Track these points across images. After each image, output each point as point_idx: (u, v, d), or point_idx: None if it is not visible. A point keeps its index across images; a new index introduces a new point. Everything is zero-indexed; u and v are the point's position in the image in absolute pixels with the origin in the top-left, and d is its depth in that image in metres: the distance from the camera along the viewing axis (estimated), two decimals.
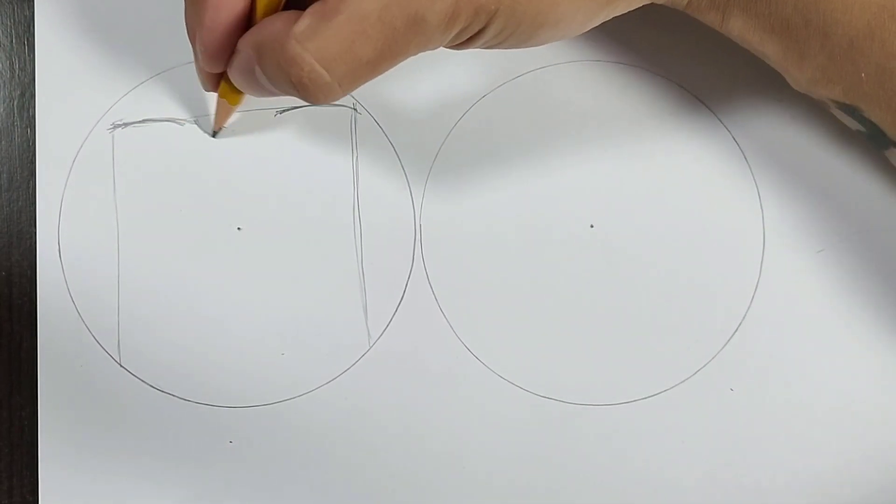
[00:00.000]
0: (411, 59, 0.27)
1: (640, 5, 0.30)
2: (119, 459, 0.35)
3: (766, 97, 0.36)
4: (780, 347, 0.35)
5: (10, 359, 0.35)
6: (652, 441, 0.35)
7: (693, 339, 0.35)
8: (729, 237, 0.35)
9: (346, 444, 0.35)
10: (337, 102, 0.36)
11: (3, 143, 0.36)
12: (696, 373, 0.35)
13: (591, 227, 0.35)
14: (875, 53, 0.29)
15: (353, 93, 0.35)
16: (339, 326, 0.35)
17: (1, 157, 0.36)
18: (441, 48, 0.28)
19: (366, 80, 0.27)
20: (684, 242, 0.35)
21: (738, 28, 0.30)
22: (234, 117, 0.35)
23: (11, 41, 0.36)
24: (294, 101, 0.35)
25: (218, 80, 0.32)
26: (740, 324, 0.35)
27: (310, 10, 0.26)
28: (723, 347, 0.35)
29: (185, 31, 0.30)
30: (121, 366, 0.35)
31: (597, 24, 0.29)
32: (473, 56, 0.36)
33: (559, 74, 0.36)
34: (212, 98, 0.34)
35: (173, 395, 0.35)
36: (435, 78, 0.36)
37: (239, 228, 0.35)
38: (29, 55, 0.36)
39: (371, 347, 0.35)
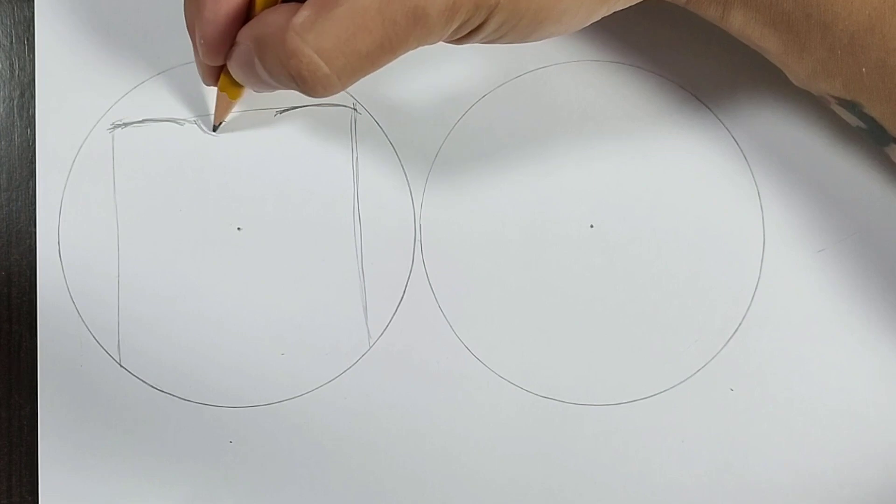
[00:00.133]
0: (411, 58, 0.27)
1: (641, 0, 0.30)
2: (119, 459, 0.35)
3: (766, 97, 0.36)
4: (780, 347, 0.35)
5: (10, 359, 0.35)
6: (652, 441, 0.35)
7: (693, 339, 0.35)
8: (729, 237, 0.35)
9: (346, 444, 0.35)
10: (337, 102, 0.36)
11: (3, 143, 0.36)
12: (696, 373, 0.35)
13: (591, 227, 0.35)
14: (876, 47, 0.29)
15: (354, 92, 0.35)
16: (339, 326, 0.35)
17: (1, 157, 0.36)
18: (441, 43, 0.28)
19: (365, 74, 0.27)
20: (684, 242, 0.35)
21: (739, 22, 0.30)
22: (234, 112, 0.35)
23: (11, 41, 0.36)
24: (294, 100, 0.35)
25: (218, 73, 0.32)
26: (740, 324, 0.35)
27: (309, 1, 0.26)
28: (723, 347, 0.35)
29: (185, 29, 0.30)
30: (121, 366, 0.35)
31: (598, 19, 0.29)
32: (474, 55, 0.36)
33: (559, 74, 0.36)
34: (212, 94, 0.34)
35: (173, 395, 0.35)
36: (435, 78, 0.36)
37: (239, 228, 0.35)
38: (29, 55, 0.36)
39: (371, 347, 0.35)
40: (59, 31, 0.36)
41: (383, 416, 0.35)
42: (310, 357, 0.35)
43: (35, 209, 0.35)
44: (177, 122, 0.36)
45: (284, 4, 0.27)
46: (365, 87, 0.35)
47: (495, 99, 0.36)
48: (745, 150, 0.36)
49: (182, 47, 0.35)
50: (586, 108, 0.36)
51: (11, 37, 0.36)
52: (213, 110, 0.35)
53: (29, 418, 0.35)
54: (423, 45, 0.27)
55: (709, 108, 0.36)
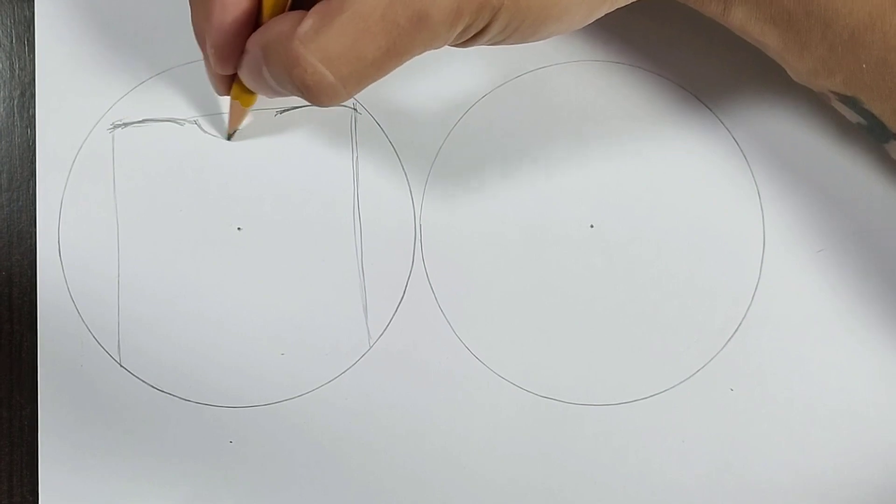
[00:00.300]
0: (412, 60, 0.27)
1: None
2: (119, 459, 0.35)
3: (767, 97, 0.36)
4: (780, 347, 0.35)
5: (10, 359, 0.35)
6: (652, 441, 0.35)
7: (693, 339, 0.35)
8: (729, 237, 0.35)
9: (346, 444, 0.35)
10: None
11: (3, 143, 0.36)
12: (696, 373, 0.35)
13: (591, 227, 0.35)
14: (876, 44, 0.29)
15: None
16: (339, 326, 0.35)
17: (1, 157, 0.36)
18: (445, 47, 0.28)
19: (371, 81, 0.27)
20: (684, 242, 0.35)
21: (740, 19, 0.30)
22: (247, 119, 0.35)
23: (11, 41, 0.36)
24: (295, 100, 0.35)
25: (230, 82, 0.31)
26: (740, 324, 0.35)
27: (313, 9, 0.26)
28: (723, 347, 0.35)
29: (186, 30, 0.30)
30: (121, 366, 0.35)
31: (600, 17, 0.29)
32: (473, 56, 0.36)
33: (559, 74, 0.36)
34: (216, 95, 0.34)
35: (173, 395, 0.35)
36: (435, 78, 0.36)
37: (239, 228, 0.35)
38: (29, 55, 0.36)
39: (371, 347, 0.35)
40: (59, 31, 0.36)
41: (383, 416, 0.35)
42: (310, 357, 0.35)
43: (35, 209, 0.35)
44: (177, 122, 0.36)
45: (292, 12, 0.27)
46: (365, 88, 0.35)
47: (495, 99, 0.36)
48: (745, 150, 0.36)
49: (182, 47, 0.35)
50: (586, 108, 0.36)
51: (11, 37, 0.36)
52: (215, 110, 0.35)
53: (29, 418, 0.35)
54: (428, 49, 0.26)
55: (709, 108, 0.36)
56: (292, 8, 0.28)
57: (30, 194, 0.35)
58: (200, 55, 0.30)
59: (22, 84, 0.36)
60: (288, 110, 0.36)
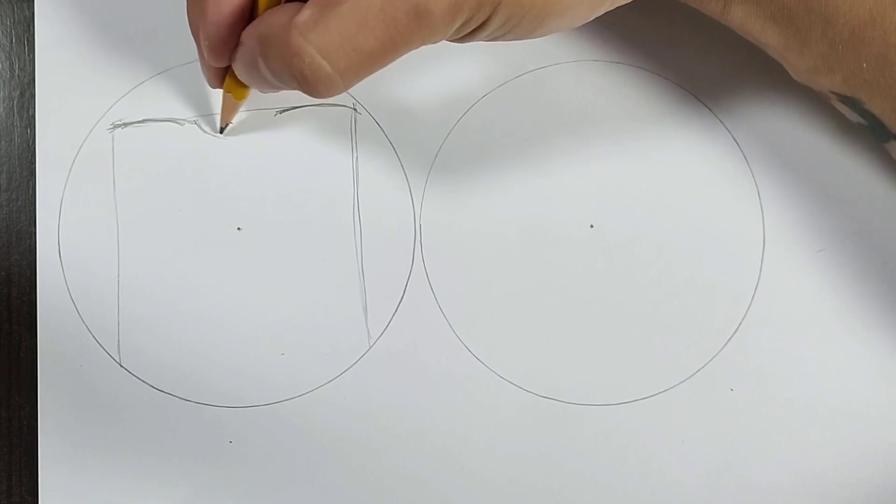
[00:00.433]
0: (411, 58, 0.27)
1: None
2: (119, 459, 0.35)
3: (767, 97, 0.36)
4: (780, 347, 0.35)
5: (10, 359, 0.35)
6: (652, 441, 0.35)
7: (693, 339, 0.35)
8: (729, 237, 0.35)
9: (346, 444, 0.35)
10: (337, 102, 0.36)
11: (3, 143, 0.36)
12: (696, 373, 0.35)
13: (591, 227, 0.35)
14: (876, 42, 0.29)
15: (354, 92, 0.35)
16: (339, 326, 0.35)
17: (1, 157, 0.36)
18: (445, 41, 0.27)
19: (368, 73, 0.27)
20: (684, 242, 0.35)
21: (740, 17, 0.30)
22: (240, 114, 0.35)
23: (11, 41, 0.36)
24: (294, 100, 0.35)
25: (223, 75, 0.32)
26: (740, 324, 0.35)
27: (312, 0, 0.26)
28: (723, 347, 0.35)
29: (186, 30, 0.30)
30: (121, 366, 0.35)
31: (601, 14, 0.29)
32: (474, 56, 0.36)
33: (559, 74, 0.36)
34: (216, 95, 0.34)
35: (173, 395, 0.35)
36: (435, 78, 0.36)
37: (239, 228, 0.35)
38: (29, 55, 0.36)
39: (371, 347, 0.35)
40: (59, 31, 0.36)
41: (383, 416, 0.35)
42: (310, 357, 0.35)
43: (35, 209, 0.35)
44: (177, 122, 0.36)
45: (288, 4, 0.27)
46: (365, 88, 0.35)
47: (495, 99, 0.36)
48: (745, 150, 0.36)
49: (182, 47, 0.35)
50: (586, 108, 0.36)
51: (11, 37, 0.36)
52: (215, 110, 0.35)
53: (29, 418, 0.35)
54: (426, 43, 0.26)
55: (709, 108, 0.36)
56: (287, 0, 0.28)
57: (29, 194, 0.35)
58: None
59: (22, 84, 0.36)
60: (288, 110, 0.36)
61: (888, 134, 0.32)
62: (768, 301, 0.35)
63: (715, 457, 0.35)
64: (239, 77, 0.30)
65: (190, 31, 0.30)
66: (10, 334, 0.35)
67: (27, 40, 0.36)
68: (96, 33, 0.36)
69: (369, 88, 0.35)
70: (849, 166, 0.35)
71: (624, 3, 0.29)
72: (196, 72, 0.35)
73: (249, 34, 0.28)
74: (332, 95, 0.27)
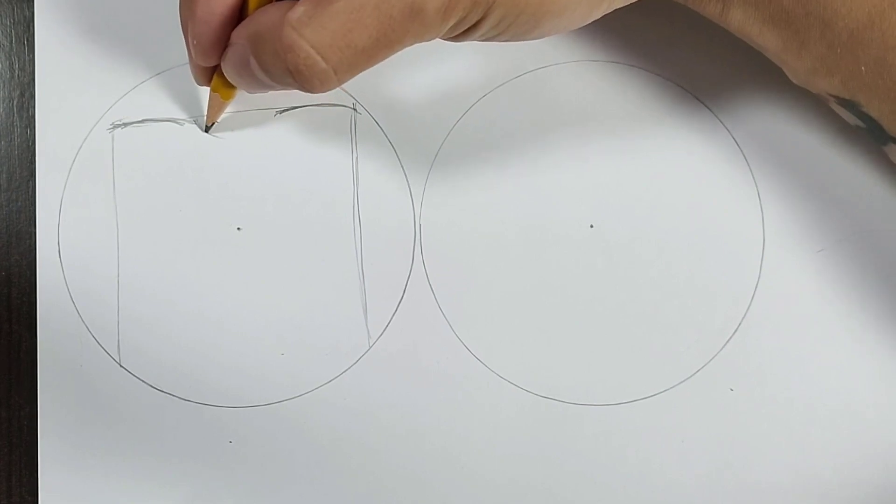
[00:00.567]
0: (411, 58, 0.27)
1: None
2: (119, 459, 0.35)
3: (766, 97, 0.36)
4: (780, 347, 0.35)
5: (10, 359, 0.35)
6: (652, 441, 0.35)
7: (693, 339, 0.35)
8: (729, 237, 0.35)
9: (345, 444, 0.35)
10: (337, 102, 0.36)
11: (3, 143, 0.36)
12: (696, 373, 0.35)
13: (591, 227, 0.35)
14: (875, 45, 0.29)
15: (353, 92, 0.35)
16: (339, 326, 0.35)
17: (1, 157, 0.36)
18: (440, 41, 0.28)
19: (362, 69, 0.27)
20: (684, 242, 0.35)
21: (738, 19, 0.30)
22: (227, 112, 0.35)
23: (11, 41, 0.36)
24: (294, 100, 0.35)
25: (211, 74, 0.32)
26: (740, 324, 0.35)
27: None
28: (723, 347, 0.35)
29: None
30: (121, 366, 0.35)
31: (598, 17, 0.29)
32: (474, 56, 0.36)
33: (559, 74, 0.36)
34: (205, 93, 0.34)
35: (173, 395, 0.35)
36: (435, 78, 0.36)
37: (239, 228, 0.35)
38: (29, 55, 0.36)
39: (371, 347, 0.35)
40: (59, 31, 0.36)
41: (383, 416, 0.35)
42: (310, 357, 0.35)
43: (35, 209, 0.35)
44: (177, 122, 0.36)
45: (279, 2, 0.27)
46: (365, 87, 0.35)
47: (495, 99, 0.36)
48: (745, 150, 0.36)
49: (182, 47, 0.35)
50: (586, 108, 0.36)
51: (11, 37, 0.36)
52: (205, 106, 0.35)
53: (29, 418, 0.35)
54: (420, 41, 0.26)
55: (709, 109, 0.36)
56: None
57: (29, 194, 0.35)
58: None
59: (21, 84, 0.36)
60: (287, 110, 0.36)
61: (886, 137, 0.32)
62: (768, 301, 0.35)
63: (715, 457, 0.35)
64: (227, 77, 0.30)
65: (181, 30, 0.30)
66: (10, 334, 0.35)
67: (27, 40, 0.36)
68: (96, 33, 0.36)
69: (369, 88, 0.35)
70: (848, 167, 0.35)
71: (622, 5, 0.29)
72: None
73: (240, 34, 0.28)
74: (327, 90, 0.27)
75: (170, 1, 0.35)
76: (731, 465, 0.35)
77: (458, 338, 0.35)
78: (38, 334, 0.35)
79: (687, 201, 0.35)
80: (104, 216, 0.35)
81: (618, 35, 0.36)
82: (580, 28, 0.30)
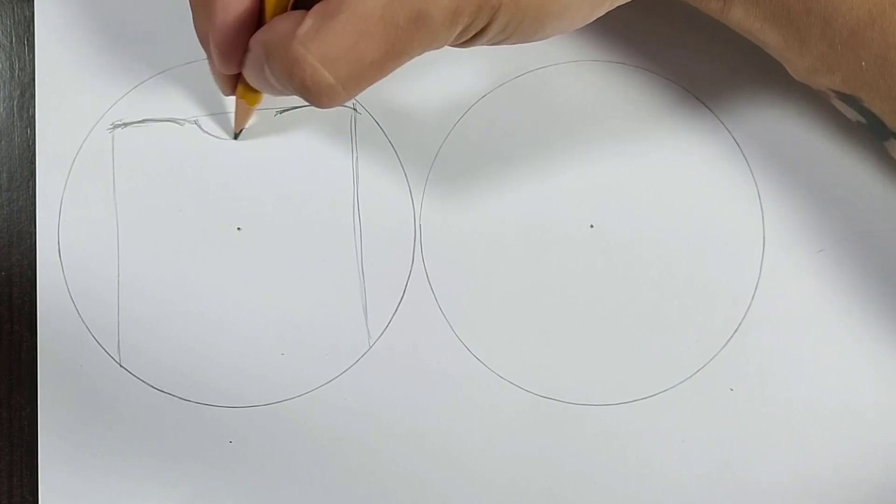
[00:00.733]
0: (412, 59, 0.27)
1: None
2: (119, 459, 0.35)
3: (766, 97, 0.36)
4: (780, 347, 0.35)
5: (10, 359, 0.35)
6: (652, 441, 0.35)
7: (693, 339, 0.35)
8: (729, 237, 0.35)
9: (345, 444, 0.35)
10: None
11: (3, 143, 0.36)
12: (696, 373, 0.35)
13: (591, 227, 0.35)
14: (876, 42, 0.29)
15: None
16: (339, 326, 0.35)
17: (1, 157, 0.36)
18: (446, 47, 0.27)
19: (370, 82, 0.26)
20: (684, 242, 0.35)
21: (739, 16, 0.30)
22: (253, 118, 0.35)
23: (11, 41, 0.36)
24: (295, 100, 0.35)
25: (234, 82, 0.31)
26: (740, 324, 0.35)
27: (313, 10, 0.26)
28: (723, 347, 0.35)
29: (186, 30, 0.30)
30: (121, 366, 0.35)
31: (601, 15, 0.29)
32: (474, 56, 0.36)
33: (559, 74, 0.36)
34: (217, 95, 0.34)
35: (173, 395, 0.35)
36: (435, 78, 0.36)
37: (239, 228, 0.35)
38: (29, 55, 0.36)
39: (371, 347, 0.35)
40: (59, 31, 0.36)
41: (383, 416, 0.35)
42: (310, 357, 0.35)
43: (35, 209, 0.35)
44: (177, 122, 0.36)
45: (293, 12, 0.27)
46: (366, 89, 0.35)
47: (495, 99, 0.36)
48: (745, 150, 0.36)
49: (182, 47, 0.35)
50: (586, 108, 0.36)
51: (11, 37, 0.36)
52: (216, 110, 0.35)
53: (29, 418, 0.35)
54: (427, 50, 0.26)
55: (709, 108, 0.36)
56: (295, 7, 0.28)
57: (30, 194, 0.35)
58: (201, 55, 0.30)
59: (22, 84, 0.36)
60: (288, 110, 0.36)
61: (887, 132, 0.32)
62: (768, 301, 0.35)
63: (715, 457, 0.35)
64: (250, 83, 0.30)
65: (198, 40, 0.29)
66: (10, 334, 0.35)
67: (27, 40, 0.36)
68: (96, 33, 0.36)
69: (369, 89, 0.35)
70: (849, 166, 0.35)
71: (623, 2, 0.29)
72: (196, 72, 0.35)
73: (256, 41, 0.28)
74: (336, 105, 0.27)
75: (170, 1, 0.36)
76: (731, 465, 0.35)
77: (458, 338, 0.35)
78: (39, 334, 0.35)
79: (687, 201, 0.35)
80: (104, 216, 0.35)
81: (618, 35, 0.36)
82: (581, 28, 0.30)
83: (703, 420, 0.35)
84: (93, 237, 0.35)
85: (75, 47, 0.36)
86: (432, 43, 0.26)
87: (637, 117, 0.36)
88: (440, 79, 0.36)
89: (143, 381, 0.35)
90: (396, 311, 0.35)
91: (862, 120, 0.32)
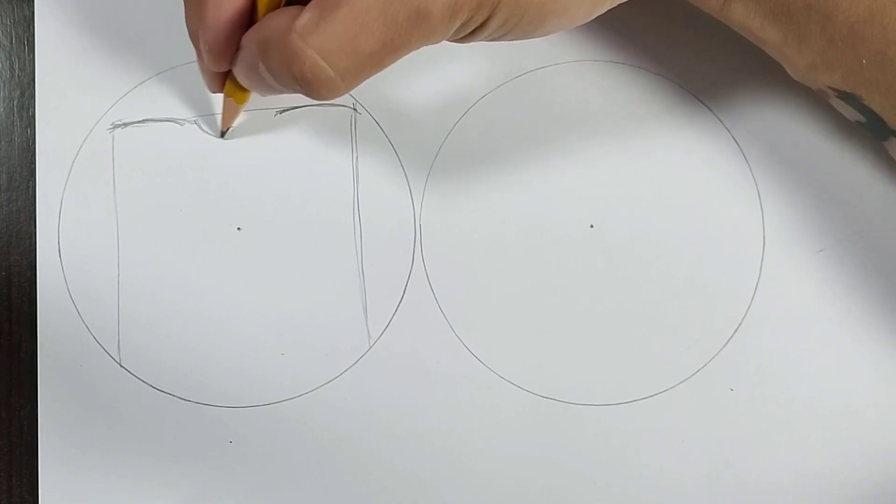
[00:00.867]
0: (411, 59, 0.27)
1: None
2: (119, 459, 0.35)
3: (766, 97, 0.36)
4: (780, 347, 0.35)
5: (10, 359, 0.35)
6: (652, 441, 0.35)
7: (693, 339, 0.35)
8: (729, 237, 0.35)
9: (345, 444, 0.35)
10: (337, 102, 0.36)
11: (3, 143, 0.36)
12: (696, 373, 0.35)
13: (591, 227, 0.35)
14: (875, 39, 0.29)
15: (354, 92, 0.35)
16: (339, 326, 0.35)
17: (1, 157, 0.36)
18: (445, 42, 0.27)
19: (369, 75, 0.27)
20: (684, 242, 0.35)
21: (739, 14, 0.30)
22: (241, 117, 0.35)
23: (11, 41, 0.36)
24: (294, 100, 0.35)
25: (223, 79, 0.32)
26: (740, 324, 0.35)
27: (311, 3, 0.26)
28: (723, 347, 0.35)
29: (186, 31, 0.30)
30: (121, 366, 0.35)
31: (602, 12, 0.29)
32: (474, 56, 0.36)
33: (559, 74, 0.36)
34: (217, 95, 0.34)
35: (173, 395, 0.35)
36: (435, 78, 0.36)
37: (239, 228, 0.35)
38: (29, 55, 0.36)
39: (371, 347, 0.35)
40: (59, 31, 0.36)
41: (383, 416, 0.35)
42: (310, 357, 0.35)
43: (35, 209, 0.35)
44: (177, 122, 0.36)
45: (288, 7, 0.27)
46: (365, 88, 0.35)
47: (495, 99, 0.36)
48: (745, 150, 0.36)
49: (182, 47, 0.35)
50: (586, 108, 0.36)
51: (11, 37, 0.36)
52: (215, 110, 0.35)
53: (29, 418, 0.35)
54: (426, 44, 0.26)
55: (709, 108, 0.36)
56: (287, 4, 0.28)
57: (29, 194, 0.35)
58: None
59: (22, 84, 0.36)
60: (288, 110, 0.36)
61: (887, 131, 0.32)
62: (768, 301, 0.35)
63: (715, 457, 0.35)
64: (240, 81, 0.30)
65: (189, 37, 0.30)
66: (10, 334, 0.35)
67: (27, 40, 0.36)
68: (96, 33, 0.36)
69: (369, 88, 0.35)
70: (849, 166, 0.35)
71: (623, 1, 0.29)
72: (196, 72, 0.35)
73: (250, 38, 0.28)
74: (334, 98, 0.27)
75: (170, 1, 0.36)
76: (731, 465, 0.35)
77: (458, 338, 0.35)
78: (39, 334, 0.35)
79: (687, 201, 0.35)
80: (104, 216, 0.35)
81: (618, 34, 0.36)
82: (580, 27, 0.30)
83: (703, 420, 0.35)
84: (93, 237, 0.35)
85: (75, 47, 0.36)
86: (431, 37, 0.26)
87: (637, 117, 0.36)
88: (440, 79, 0.36)
89: (143, 381, 0.35)
90: (396, 311, 0.35)
91: (861, 119, 0.32)
